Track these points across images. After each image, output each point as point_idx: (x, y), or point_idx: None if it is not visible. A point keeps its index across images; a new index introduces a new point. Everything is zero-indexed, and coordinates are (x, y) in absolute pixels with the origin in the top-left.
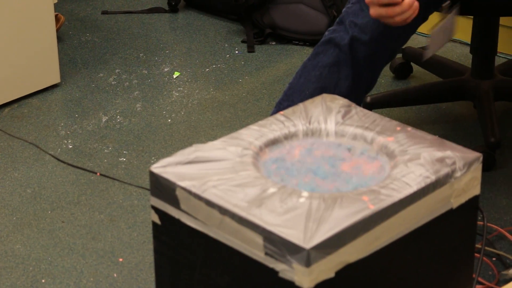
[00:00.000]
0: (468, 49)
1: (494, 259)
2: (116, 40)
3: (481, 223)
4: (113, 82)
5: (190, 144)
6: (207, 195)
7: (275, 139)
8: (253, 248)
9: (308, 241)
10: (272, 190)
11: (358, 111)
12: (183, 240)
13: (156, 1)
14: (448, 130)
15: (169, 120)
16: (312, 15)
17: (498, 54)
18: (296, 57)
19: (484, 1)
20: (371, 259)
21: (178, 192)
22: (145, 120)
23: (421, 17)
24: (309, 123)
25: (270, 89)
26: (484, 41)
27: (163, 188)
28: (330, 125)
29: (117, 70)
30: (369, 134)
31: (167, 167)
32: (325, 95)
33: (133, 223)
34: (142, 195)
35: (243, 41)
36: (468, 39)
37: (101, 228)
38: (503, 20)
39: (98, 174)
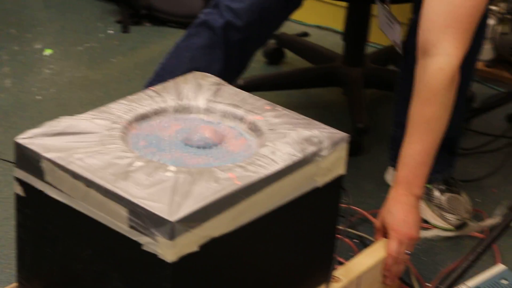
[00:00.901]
0: (339, 37)
1: (355, 240)
2: None
3: (345, 205)
4: None
5: None
6: (72, 167)
7: (144, 114)
8: (117, 221)
9: (172, 214)
10: (139, 164)
11: (228, 89)
12: (47, 213)
13: None
14: (318, 116)
15: (39, 97)
16: None
17: (369, 44)
18: (171, 39)
19: None
20: (236, 234)
21: (43, 164)
22: (14, 96)
23: (296, 3)
24: (180, 99)
25: (143, 69)
26: (356, 29)
27: (28, 160)
28: (201, 102)
29: None
30: (239, 112)
31: (33, 138)
32: (196, 73)
33: None
34: (7, 170)
35: (118, 21)
36: (340, 28)
37: None
38: (374, 10)
39: None
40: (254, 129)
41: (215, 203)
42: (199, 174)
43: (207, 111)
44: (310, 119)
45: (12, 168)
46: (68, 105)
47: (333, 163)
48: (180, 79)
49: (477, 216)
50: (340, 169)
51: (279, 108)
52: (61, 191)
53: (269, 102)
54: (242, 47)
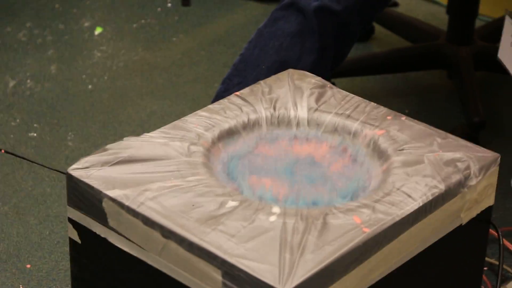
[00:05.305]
0: (442, 10)
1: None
2: None
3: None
4: (23, 38)
5: (115, 116)
6: (144, 210)
7: (231, 129)
8: (207, 285)
9: (285, 281)
10: (231, 204)
11: (335, 93)
12: (111, 266)
13: None
14: (418, 104)
15: (90, 86)
16: None
17: (478, 17)
18: (240, 12)
19: None
20: None
21: (105, 204)
22: (61, 85)
23: None
24: (274, 108)
25: (209, 50)
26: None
27: (84, 198)
28: (302, 111)
29: (28, 24)
30: (353, 125)
31: (90, 169)
32: (291, 71)
33: (44, 217)
34: (57, 180)
35: None
36: None
37: (4, 224)
38: None
39: (2, 151)
40: (375, 148)
41: (340, 260)
42: (313, 218)
43: (311, 124)
44: (446, 133)
45: (62, 177)
46: (125, 96)
47: (482, 193)
48: (271, 80)
49: None
50: (489, 200)
51: (404, 117)
52: (129, 240)
53: (389, 110)
54: (340, 35)
